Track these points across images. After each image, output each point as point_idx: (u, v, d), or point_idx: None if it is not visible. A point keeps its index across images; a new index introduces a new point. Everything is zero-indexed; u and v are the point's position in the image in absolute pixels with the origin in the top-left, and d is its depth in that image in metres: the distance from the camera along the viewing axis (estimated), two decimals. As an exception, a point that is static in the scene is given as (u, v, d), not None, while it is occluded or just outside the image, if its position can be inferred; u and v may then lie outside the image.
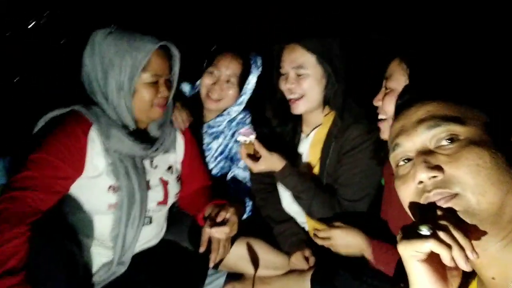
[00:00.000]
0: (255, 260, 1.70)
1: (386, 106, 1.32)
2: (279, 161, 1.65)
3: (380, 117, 1.38)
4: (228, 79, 1.90)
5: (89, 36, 1.49)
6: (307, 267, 1.65)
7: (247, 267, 1.71)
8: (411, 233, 0.71)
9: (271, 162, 1.64)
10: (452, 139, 0.80)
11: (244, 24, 2.56)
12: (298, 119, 1.82)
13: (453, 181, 0.77)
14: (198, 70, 2.02)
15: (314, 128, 1.77)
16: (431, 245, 0.69)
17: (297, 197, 1.70)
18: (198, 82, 2.03)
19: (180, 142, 1.76)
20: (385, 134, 1.38)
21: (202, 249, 1.52)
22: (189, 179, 1.78)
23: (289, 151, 1.80)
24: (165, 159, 1.68)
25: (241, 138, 1.65)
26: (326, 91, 1.65)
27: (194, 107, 1.90)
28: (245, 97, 1.98)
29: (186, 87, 2.08)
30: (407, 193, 0.84)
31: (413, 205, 0.83)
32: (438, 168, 0.78)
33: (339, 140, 1.67)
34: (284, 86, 1.68)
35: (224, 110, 1.98)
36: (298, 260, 1.67)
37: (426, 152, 0.82)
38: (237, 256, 1.69)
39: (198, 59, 2.04)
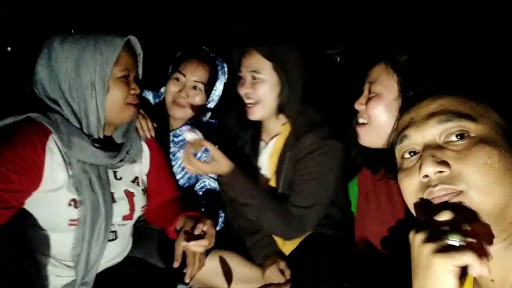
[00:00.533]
0: (228, 274, 1.63)
1: (371, 110, 1.29)
2: (227, 163, 1.58)
3: (360, 121, 1.35)
4: (194, 86, 1.84)
5: (38, 43, 1.41)
6: (283, 280, 1.61)
7: (220, 282, 1.63)
8: (443, 244, 0.67)
9: (220, 162, 1.56)
10: (462, 135, 0.79)
11: (209, 30, 2.50)
12: (258, 127, 1.80)
13: (459, 178, 0.75)
14: (161, 77, 1.95)
15: (273, 137, 1.76)
16: (470, 259, 0.65)
17: (245, 204, 1.62)
18: (162, 90, 1.95)
19: (146, 152, 1.66)
20: (363, 140, 1.35)
21: (176, 264, 1.41)
22: (156, 191, 1.68)
23: (249, 160, 1.78)
24: (130, 170, 1.58)
25: (189, 136, 1.54)
26: (281, 98, 1.65)
27: (159, 116, 1.81)
28: (212, 104, 1.92)
29: (149, 95, 1.99)
30: (410, 186, 0.83)
31: (420, 203, 0.80)
32: (445, 163, 0.77)
33: (294, 149, 1.66)
34: (241, 91, 1.68)
35: (191, 118, 1.91)
36: (273, 274, 1.62)
37: (434, 147, 0.80)
38: (209, 271, 1.60)
39: (161, 66, 1.96)
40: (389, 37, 1.97)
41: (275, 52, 1.61)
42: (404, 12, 2.06)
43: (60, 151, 1.34)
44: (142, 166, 1.63)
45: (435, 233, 0.68)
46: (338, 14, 2.32)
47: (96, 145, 1.39)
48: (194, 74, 1.83)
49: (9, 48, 2.70)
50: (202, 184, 1.90)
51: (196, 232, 1.44)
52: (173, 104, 1.85)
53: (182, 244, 1.41)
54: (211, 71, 1.87)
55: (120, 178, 1.52)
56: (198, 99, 1.85)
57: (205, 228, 1.45)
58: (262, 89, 1.63)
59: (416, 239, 0.70)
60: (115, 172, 1.51)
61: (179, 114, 1.86)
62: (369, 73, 1.35)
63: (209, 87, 1.88)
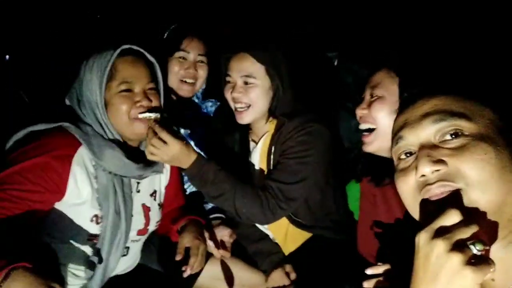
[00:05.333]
0: (230, 279, 1.63)
1: (376, 112, 1.29)
2: (188, 151, 1.47)
3: (365, 126, 1.34)
4: (200, 60, 1.86)
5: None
6: (289, 282, 1.60)
7: (221, 287, 1.63)
8: (470, 255, 0.66)
9: (176, 150, 1.42)
10: (457, 134, 0.79)
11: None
12: (246, 128, 1.77)
13: (457, 175, 0.76)
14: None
15: (262, 136, 1.73)
16: (494, 268, 0.66)
17: (219, 196, 1.51)
18: None
19: (167, 165, 1.63)
20: (370, 146, 1.33)
21: (179, 257, 1.45)
22: (171, 202, 1.68)
23: (241, 162, 1.76)
24: (151, 183, 1.56)
25: (144, 114, 1.40)
26: (272, 102, 1.63)
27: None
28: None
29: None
30: (407, 186, 0.83)
31: (418, 203, 0.80)
32: (442, 161, 0.77)
33: (279, 142, 1.63)
34: (229, 95, 1.63)
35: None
36: (279, 276, 1.62)
37: (429, 146, 0.81)
38: (211, 276, 1.61)
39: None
40: (383, 39, 1.98)
41: (269, 57, 1.58)
42: (398, 13, 2.07)
43: (87, 165, 1.33)
44: (161, 179, 1.62)
45: (457, 241, 0.67)
46: (334, 17, 2.33)
47: (127, 155, 1.38)
48: (198, 48, 1.84)
49: (7, 56, 2.70)
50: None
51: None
52: (180, 83, 1.85)
53: (185, 241, 1.49)
54: (209, 44, 1.90)
55: (139, 191, 1.51)
56: (202, 73, 1.87)
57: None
58: (255, 93, 1.59)
59: (438, 246, 0.67)
60: (138, 184, 1.50)
61: (188, 92, 1.87)
62: (370, 79, 1.35)
63: (209, 60, 1.90)
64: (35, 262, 1.04)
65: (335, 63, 2.35)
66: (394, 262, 1.06)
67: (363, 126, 1.36)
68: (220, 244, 1.62)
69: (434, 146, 0.80)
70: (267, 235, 1.79)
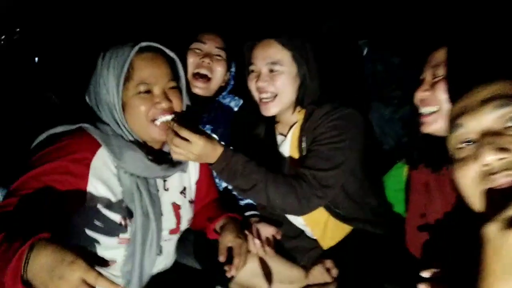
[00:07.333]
0: (268, 275, 1.60)
1: (440, 94, 1.21)
2: (213, 145, 1.38)
3: (428, 110, 1.26)
4: (217, 54, 1.80)
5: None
6: (330, 279, 1.56)
7: (260, 283, 1.59)
8: None
9: (200, 146, 1.33)
10: None
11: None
12: (272, 121, 1.71)
13: None
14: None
15: (291, 128, 1.66)
16: None
17: (251, 188, 1.43)
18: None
19: None
20: (430, 127, 1.25)
21: (223, 259, 1.42)
22: (203, 197, 1.66)
23: (271, 157, 1.70)
24: (179, 180, 1.53)
25: (160, 119, 1.34)
26: (299, 91, 1.56)
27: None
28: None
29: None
30: (467, 176, 0.80)
31: (481, 193, 0.77)
32: (506, 149, 0.74)
33: (309, 130, 1.56)
34: (254, 85, 1.57)
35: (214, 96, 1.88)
36: (320, 273, 1.58)
37: (492, 133, 0.77)
38: (249, 272, 1.57)
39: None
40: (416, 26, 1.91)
41: (295, 43, 1.52)
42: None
43: (109, 166, 1.30)
44: (190, 175, 1.59)
45: None
46: (364, 4, 2.28)
47: (150, 157, 1.34)
48: (215, 41, 1.79)
49: (36, 59, 2.74)
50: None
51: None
52: (194, 78, 1.79)
53: (227, 240, 1.45)
54: (228, 43, 1.84)
55: (168, 189, 1.47)
56: (220, 68, 1.81)
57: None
58: (281, 81, 1.53)
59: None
60: (164, 182, 1.46)
61: (202, 88, 1.79)
62: (430, 58, 1.28)
63: (228, 59, 1.84)
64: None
65: (365, 51, 2.31)
66: (449, 257, 1.02)
67: (425, 110, 1.27)
68: (265, 242, 1.60)
69: (496, 133, 0.77)
70: (302, 232, 1.76)
